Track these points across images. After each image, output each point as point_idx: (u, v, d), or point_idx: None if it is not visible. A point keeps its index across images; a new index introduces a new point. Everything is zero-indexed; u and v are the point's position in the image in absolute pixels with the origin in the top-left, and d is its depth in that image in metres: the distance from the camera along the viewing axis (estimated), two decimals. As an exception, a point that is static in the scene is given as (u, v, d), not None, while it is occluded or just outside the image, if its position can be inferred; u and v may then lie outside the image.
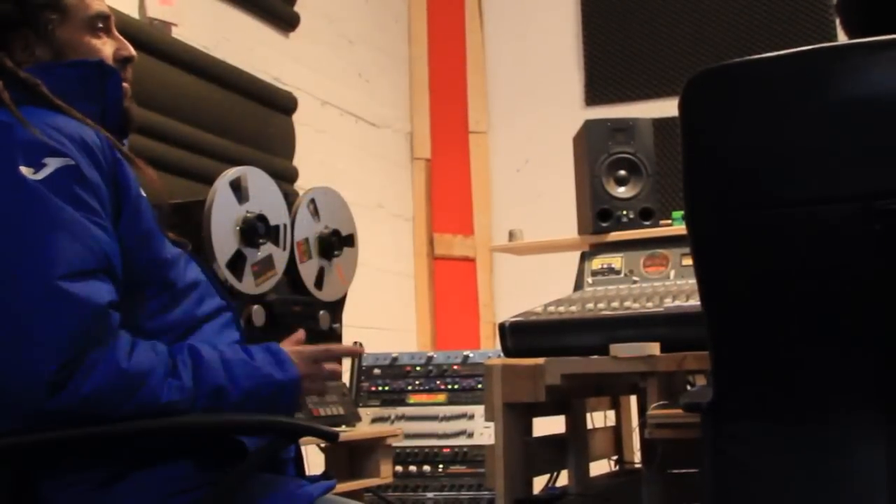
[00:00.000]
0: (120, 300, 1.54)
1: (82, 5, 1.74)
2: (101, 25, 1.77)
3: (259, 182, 2.63)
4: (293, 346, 1.76)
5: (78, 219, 1.52)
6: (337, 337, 2.83)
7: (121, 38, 1.81)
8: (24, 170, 1.51)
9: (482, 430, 3.76)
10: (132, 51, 1.81)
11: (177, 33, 3.81)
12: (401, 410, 3.88)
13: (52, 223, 1.50)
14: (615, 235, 3.23)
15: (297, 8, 4.66)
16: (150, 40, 3.63)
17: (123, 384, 1.48)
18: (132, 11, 3.67)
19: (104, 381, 1.46)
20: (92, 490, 1.53)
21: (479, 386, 3.78)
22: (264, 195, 2.63)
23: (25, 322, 1.44)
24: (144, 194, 1.70)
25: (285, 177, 4.11)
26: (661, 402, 2.33)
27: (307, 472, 1.82)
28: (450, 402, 3.87)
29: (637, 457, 3.62)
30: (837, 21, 1.95)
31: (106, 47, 1.77)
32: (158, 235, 1.69)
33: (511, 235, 3.99)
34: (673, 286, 2.76)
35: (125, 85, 1.79)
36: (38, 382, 1.42)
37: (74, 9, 1.73)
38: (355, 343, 1.94)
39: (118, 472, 1.54)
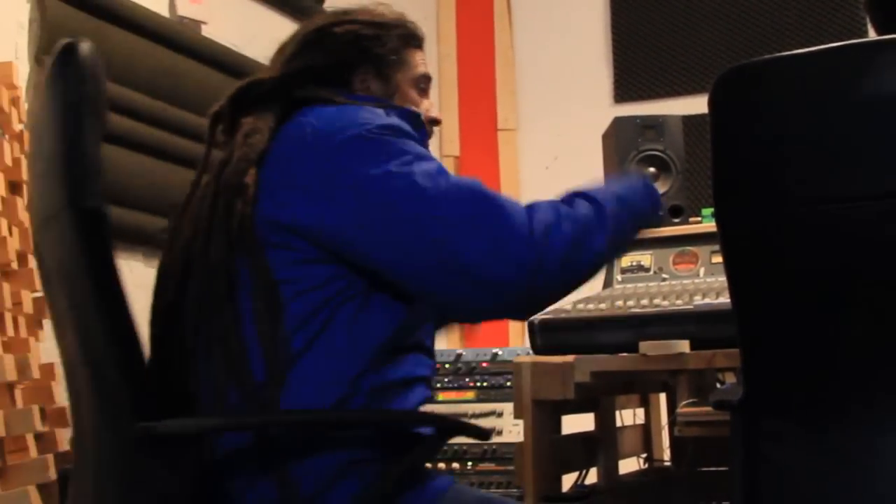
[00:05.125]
0: None
1: (416, 63, 1.98)
2: (423, 86, 2.01)
3: (288, 180, 2.63)
4: None
5: None
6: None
7: (431, 101, 2.04)
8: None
9: (511, 428, 3.76)
10: (439, 115, 2.07)
11: (206, 31, 3.83)
12: (430, 408, 3.88)
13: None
14: (644, 232, 3.21)
15: (326, 6, 4.66)
16: (180, 39, 3.65)
17: (578, 233, 1.67)
18: (162, 10, 3.70)
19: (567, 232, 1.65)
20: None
21: (508, 383, 3.79)
22: (294, 193, 2.64)
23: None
24: None
25: (314, 174, 4.11)
26: (691, 400, 2.33)
27: None
28: (479, 400, 3.88)
29: (666, 455, 3.62)
30: (867, 18, 1.94)
31: (422, 105, 1.99)
32: None
33: (540, 233, 3.97)
34: (703, 283, 2.75)
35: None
36: (529, 242, 1.61)
37: (409, 63, 1.97)
38: None
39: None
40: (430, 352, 1.85)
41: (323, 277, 1.66)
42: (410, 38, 1.98)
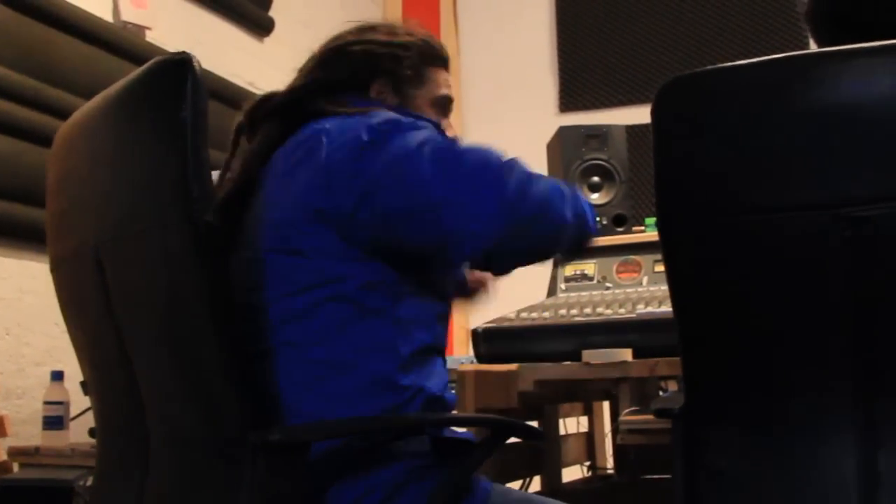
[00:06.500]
0: None
1: (437, 83, 2.00)
2: (442, 105, 2.01)
3: (232, 187, 2.62)
4: None
5: None
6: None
7: (451, 122, 2.04)
8: None
9: (455, 436, 3.75)
10: (458, 137, 2.02)
11: (150, 37, 3.80)
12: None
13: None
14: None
15: (271, 13, 4.65)
16: (124, 44, 3.62)
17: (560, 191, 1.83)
18: (106, 15, 3.66)
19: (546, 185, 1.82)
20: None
21: (452, 391, 3.77)
22: (238, 200, 2.62)
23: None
24: None
25: (259, 182, 4.09)
26: (633, 408, 2.34)
27: None
28: (423, 408, 3.86)
29: (610, 463, 3.63)
30: (808, 30, 1.97)
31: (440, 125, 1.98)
32: None
33: (485, 241, 3.97)
34: (645, 292, 2.77)
35: None
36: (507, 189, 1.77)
37: (429, 82, 1.98)
38: None
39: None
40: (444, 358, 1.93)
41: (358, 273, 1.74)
42: (432, 58, 2.00)
